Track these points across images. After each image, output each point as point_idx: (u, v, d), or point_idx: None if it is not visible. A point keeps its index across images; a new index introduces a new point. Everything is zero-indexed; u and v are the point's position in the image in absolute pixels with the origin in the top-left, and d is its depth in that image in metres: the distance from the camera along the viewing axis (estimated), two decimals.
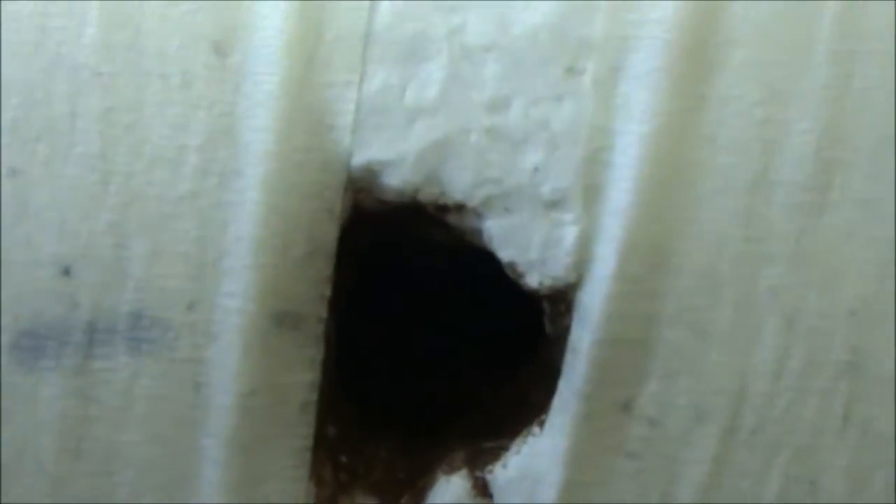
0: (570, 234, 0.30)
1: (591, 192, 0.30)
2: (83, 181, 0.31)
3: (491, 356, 0.43)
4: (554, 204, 0.30)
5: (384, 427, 0.39)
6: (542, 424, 0.32)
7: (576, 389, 0.31)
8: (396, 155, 0.31)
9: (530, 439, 0.32)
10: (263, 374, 0.32)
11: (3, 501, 0.33)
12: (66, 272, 0.32)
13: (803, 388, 0.30)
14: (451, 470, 0.33)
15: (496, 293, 0.43)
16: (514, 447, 0.33)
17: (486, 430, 0.37)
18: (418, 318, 0.45)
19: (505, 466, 0.32)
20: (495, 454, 0.33)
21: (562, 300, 0.32)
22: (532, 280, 0.31)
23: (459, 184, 0.31)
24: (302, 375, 0.32)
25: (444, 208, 0.32)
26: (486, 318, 0.44)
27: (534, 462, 0.32)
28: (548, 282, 0.31)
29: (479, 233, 0.32)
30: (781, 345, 0.30)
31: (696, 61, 0.29)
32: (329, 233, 0.31)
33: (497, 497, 0.32)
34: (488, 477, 0.33)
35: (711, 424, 0.30)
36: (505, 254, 0.31)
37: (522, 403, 0.37)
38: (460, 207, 0.31)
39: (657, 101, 0.29)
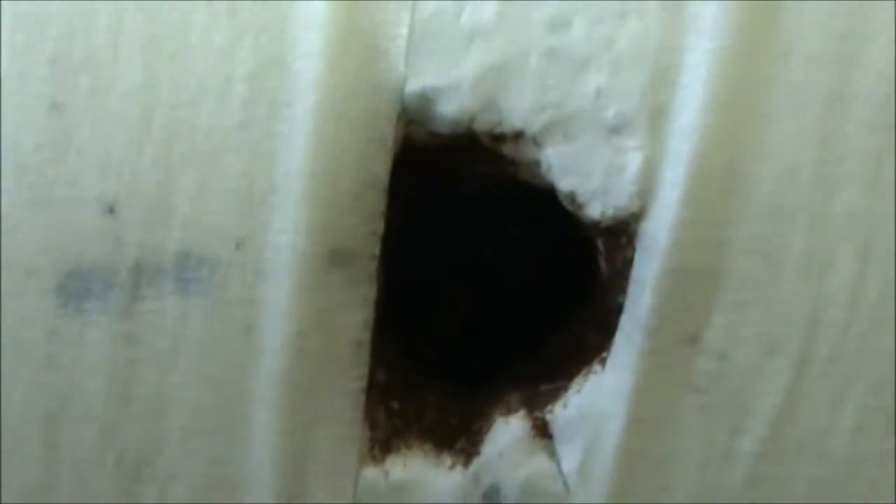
0: (634, 160, 0.29)
1: (658, 115, 0.29)
2: (127, 114, 0.30)
3: (539, 304, 0.42)
4: (618, 129, 0.29)
5: (431, 376, 0.38)
6: (603, 362, 0.31)
7: (640, 324, 0.29)
8: (452, 80, 0.29)
9: (592, 377, 0.31)
10: (315, 313, 0.30)
11: (53, 449, 0.32)
12: (111, 210, 0.31)
13: (880, 317, 0.29)
14: (509, 412, 0.32)
15: (542, 238, 0.43)
16: (574, 386, 0.31)
17: (540, 376, 0.36)
18: (460, 263, 0.44)
19: (565, 406, 0.31)
20: (554, 395, 0.32)
21: (623, 232, 0.30)
22: (593, 210, 0.30)
23: (518, 110, 0.29)
24: (355, 314, 0.31)
25: (500, 138, 0.30)
26: (533, 263, 0.43)
27: (596, 400, 0.31)
28: (610, 211, 0.30)
29: (536, 164, 0.31)
30: (857, 271, 0.29)
31: None
32: (381, 165, 0.30)
33: (557, 437, 0.31)
34: (548, 417, 0.32)
35: (783, 356, 0.29)
36: (564, 183, 0.30)
37: (577, 347, 0.36)
38: (518, 136, 0.30)
39: (728, 15, 0.27)
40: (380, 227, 0.31)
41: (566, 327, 0.38)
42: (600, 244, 0.34)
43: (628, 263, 0.31)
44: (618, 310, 0.33)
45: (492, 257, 0.42)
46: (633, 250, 0.30)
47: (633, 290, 0.30)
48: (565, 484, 0.31)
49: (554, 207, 0.38)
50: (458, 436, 0.33)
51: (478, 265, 0.43)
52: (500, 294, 0.43)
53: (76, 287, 0.31)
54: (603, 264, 0.34)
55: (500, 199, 0.40)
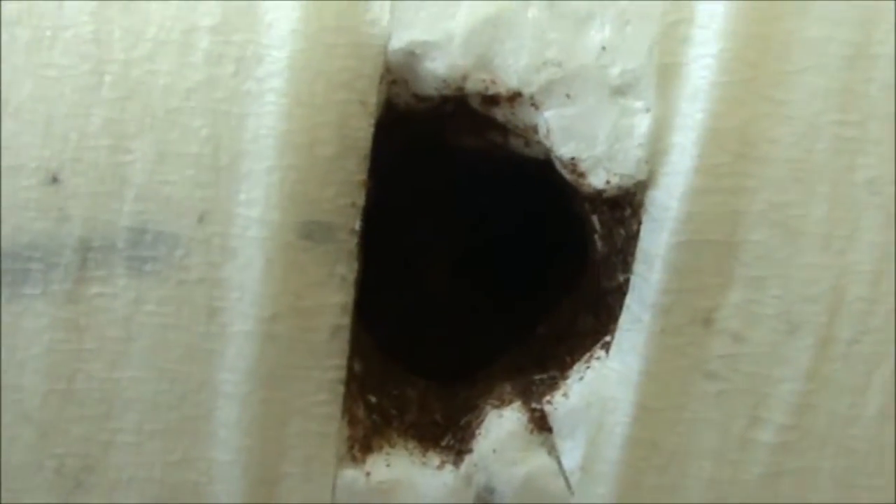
0: (642, 123, 0.27)
1: (667, 74, 0.26)
2: (73, 72, 0.27)
3: (523, 291, 0.39)
4: (624, 88, 0.27)
5: (406, 369, 0.35)
6: (606, 347, 0.28)
7: (649, 302, 0.27)
8: (442, 35, 0.26)
9: (595, 363, 0.28)
10: (288, 295, 0.27)
11: None
12: (54, 180, 0.27)
13: None
14: (502, 404, 0.30)
15: (525, 221, 0.40)
16: (574, 374, 0.29)
17: (530, 366, 0.33)
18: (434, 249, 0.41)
19: (566, 395, 0.28)
20: (551, 384, 0.29)
21: (628, 203, 0.28)
22: (597, 179, 0.27)
23: (515, 68, 0.27)
24: (332, 296, 0.28)
25: (493, 100, 0.28)
26: (515, 247, 0.40)
27: (601, 388, 0.28)
28: (615, 180, 0.27)
29: (533, 129, 0.28)
30: (882, 243, 0.26)
31: None
32: (362, 129, 0.27)
33: (558, 430, 0.28)
34: (546, 408, 0.29)
35: (804, 337, 0.27)
36: (565, 149, 0.27)
37: (569, 334, 0.34)
38: (514, 97, 0.27)
39: None
40: (360, 197, 0.28)
41: (555, 314, 0.35)
42: (596, 221, 0.32)
43: (632, 238, 0.28)
44: (615, 292, 0.30)
45: (470, 240, 0.40)
46: (639, 223, 0.28)
47: (639, 266, 0.27)
48: (567, 482, 0.28)
49: (539, 187, 0.36)
50: (446, 432, 0.30)
51: (454, 249, 0.41)
52: (481, 279, 0.40)
53: (13, 268, 0.27)
54: (599, 243, 0.32)
55: (483, 177, 0.38)
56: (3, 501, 0.28)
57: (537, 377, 0.31)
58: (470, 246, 0.40)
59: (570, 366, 0.30)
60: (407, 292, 0.40)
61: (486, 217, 0.39)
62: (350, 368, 0.30)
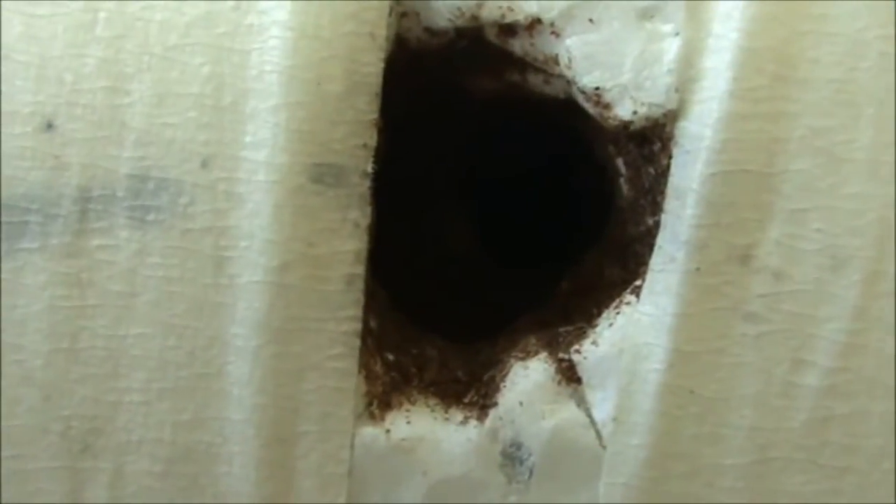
0: (670, 47, 0.25)
1: None
2: (65, 10, 0.25)
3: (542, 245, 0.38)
4: (650, 11, 0.25)
5: (426, 330, 0.34)
6: (637, 291, 0.27)
7: (682, 240, 0.25)
8: None
9: (625, 309, 0.27)
10: (299, 242, 0.26)
11: None
12: (49, 126, 0.26)
13: None
14: (527, 356, 0.28)
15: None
16: (603, 321, 0.27)
17: (555, 320, 0.31)
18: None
19: (595, 343, 0.27)
20: (579, 333, 0.28)
21: (656, 137, 0.26)
22: (623, 110, 0.26)
23: None
24: (345, 244, 0.26)
25: (511, 30, 0.26)
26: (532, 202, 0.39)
27: (632, 333, 0.26)
28: (643, 110, 0.25)
29: (553, 59, 0.26)
30: None
31: None
32: (372, 64, 0.26)
33: (588, 379, 0.27)
34: (575, 357, 0.27)
35: (850, 272, 0.25)
36: (589, 79, 0.26)
37: (595, 285, 0.32)
38: (533, 25, 0.26)
39: None
40: (372, 138, 0.26)
41: (579, 268, 0.33)
42: (621, 164, 0.30)
43: (662, 176, 0.26)
44: (644, 237, 0.29)
45: (484, 194, 0.38)
46: (669, 158, 0.26)
47: (671, 203, 0.26)
48: (598, 434, 0.27)
49: (558, 139, 0.35)
50: (468, 389, 0.29)
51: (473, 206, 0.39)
52: (497, 237, 0.39)
53: (9, 221, 0.26)
54: (625, 188, 0.30)
55: (502, 133, 0.36)
56: (7, 467, 0.27)
57: (563, 329, 0.29)
58: (489, 201, 0.39)
59: (598, 316, 0.29)
60: (425, 250, 0.38)
61: (505, 172, 0.38)
62: (366, 324, 0.28)
